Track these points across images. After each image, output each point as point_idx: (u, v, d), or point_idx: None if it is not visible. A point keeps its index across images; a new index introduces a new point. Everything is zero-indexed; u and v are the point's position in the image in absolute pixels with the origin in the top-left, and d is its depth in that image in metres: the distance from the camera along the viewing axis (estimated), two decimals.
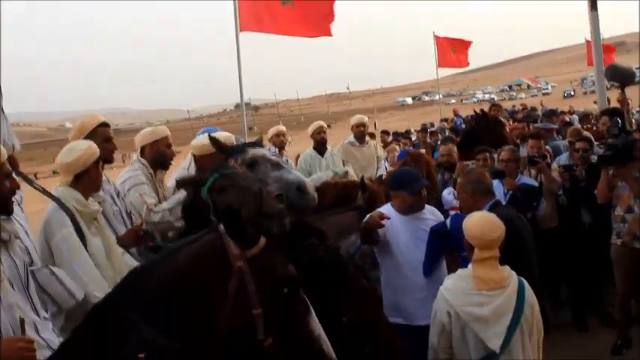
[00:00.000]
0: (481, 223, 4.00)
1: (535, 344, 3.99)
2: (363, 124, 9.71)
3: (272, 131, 9.49)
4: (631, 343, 7.32)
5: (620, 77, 9.66)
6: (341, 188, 5.60)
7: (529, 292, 3.99)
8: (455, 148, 8.52)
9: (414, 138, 17.17)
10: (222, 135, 6.12)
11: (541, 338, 4.09)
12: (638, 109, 14.84)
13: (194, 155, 6.16)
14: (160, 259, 3.00)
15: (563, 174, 7.77)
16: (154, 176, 5.80)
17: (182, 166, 6.18)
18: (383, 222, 5.02)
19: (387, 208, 5.38)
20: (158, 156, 5.83)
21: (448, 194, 6.07)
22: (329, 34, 10.89)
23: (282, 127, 9.91)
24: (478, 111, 10.71)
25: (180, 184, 4.63)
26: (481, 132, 9.44)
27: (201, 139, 6.03)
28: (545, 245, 6.99)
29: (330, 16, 10.77)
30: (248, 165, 4.79)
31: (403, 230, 5.26)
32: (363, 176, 6.12)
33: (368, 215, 5.10)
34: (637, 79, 10.96)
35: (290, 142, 13.97)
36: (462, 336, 3.89)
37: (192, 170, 6.00)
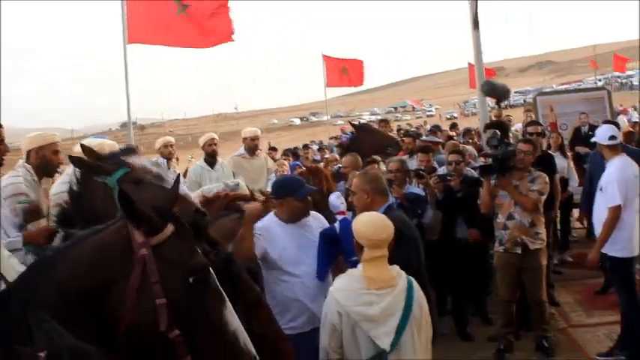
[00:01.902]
0: (370, 223, 4.04)
1: (424, 343, 4.05)
2: (257, 137, 9.71)
3: (160, 142, 9.36)
4: (512, 348, 7.57)
5: (496, 93, 10.08)
6: (231, 200, 5.55)
7: (418, 292, 4.05)
8: (358, 160, 8.54)
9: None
10: (107, 143, 5.94)
11: (430, 337, 4.15)
12: (519, 125, 15.49)
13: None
14: (64, 250, 2.86)
15: (437, 184, 7.94)
16: (39, 183, 5.54)
17: (66, 172, 5.93)
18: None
19: (270, 219, 5.35)
20: (43, 163, 5.57)
21: (336, 198, 6.10)
22: (230, 39, 10.59)
23: (170, 138, 9.78)
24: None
25: (78, 164, 4.38)
26: (362, 139, 9.67)
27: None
28: (430, 256, 7.17)
29: (228, 22, 10.50)
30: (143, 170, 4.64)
31: (289, 240, 5.23)
32: (251, 192, 6.09)
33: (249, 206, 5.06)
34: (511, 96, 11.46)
35: (177, 162, 13.68)
36: (353, 335, 3.90)
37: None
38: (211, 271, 2.87)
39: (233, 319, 2.81)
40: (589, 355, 7.35)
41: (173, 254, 2.74)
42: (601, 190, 7.02)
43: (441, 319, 8.23)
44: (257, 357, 2.83)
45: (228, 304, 2.84)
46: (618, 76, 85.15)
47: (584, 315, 8.69)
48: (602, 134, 7.20)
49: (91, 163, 4.28)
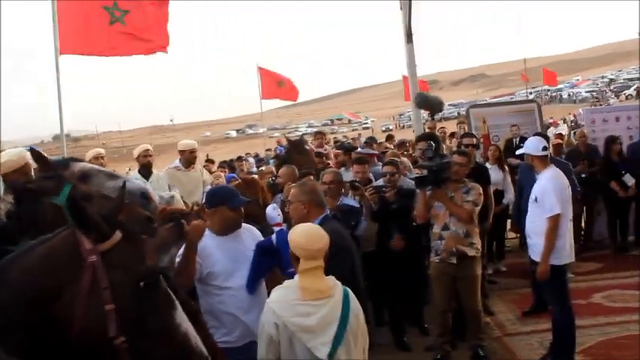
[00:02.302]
0: (306, 234, 4.02)
1: (361, 351, 4.05)
2: (195, 150, 9.64)
3: (90, 154, 9.16)
4: (449, 358, 7.65)
5: (429, 105, 10.22)
6: (167, 215, 5.47)
7: (354, 301, 4.04)
8: (296, 172, 8.50)
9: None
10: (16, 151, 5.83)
11: (366, 346, 4.16)
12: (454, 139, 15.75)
13: (1, 175, 5.79)
14: (13, 259, 2.82)
15: (372, 195, 7.97)
16: None
17: None
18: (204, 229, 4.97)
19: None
20: None
21: (273, 210, 6.07)
22: (165, 49, 10.49)
23: (100, 150, 9.64)
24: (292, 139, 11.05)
25: (20, 190, 4.30)
26: (293, 157, 9.71)
27: (4, 157, 5.70)
28: (366, 267, 7.21)
29: (165, 32, 10.39)
30: (80, 178, 4.43)
31: (220, 252, 5.18)
32: (193, 205, 6.03)
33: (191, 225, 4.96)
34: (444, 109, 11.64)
35: None
36: (290, 346, 3.87)
37: (1, 190, 5.67)
38: (160, 275, 2.88)
39: (183, 322, 2.84)
40: None
41: (122, 260, 2.76)
42: (535, 200, 7.14)
43: (378, 330, 8.30)
44: (209, 357, 2.86)
45: (178, 307, 2.87)
46: (548, 90, 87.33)
47: (519, 323, 8.82)
48: (534, 146, 7.37)
49: (36, 188, 4.21)
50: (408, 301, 8.61)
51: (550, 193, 7.03)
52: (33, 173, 5.84)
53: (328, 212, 5.48)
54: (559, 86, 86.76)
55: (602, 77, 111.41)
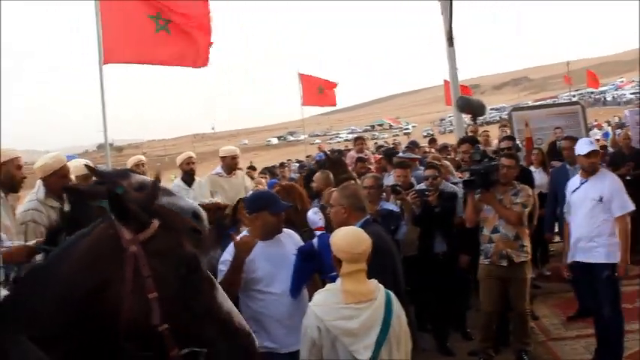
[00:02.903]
0: (348, 237, 4.03)
1: (404, 356, 4.04)
2: (237, 156, 9.68)
3: (131, 161, 9.21)
4: None
5: (471, 108, 10.14)
6: (205, 210, 5.52)
7: (396, 304, 4.04)
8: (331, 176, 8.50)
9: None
10: (78, 162, 5.95)
11: (409, 350, 4.14)
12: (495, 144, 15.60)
13: (41, 179, 5.91)
14: (56, 256, 2.89)
15: (414, 198, 7.93)
16: (6, 199, 5.52)
17: (32, 192, 5.92)
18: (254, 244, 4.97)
19: (244, 235, 5.26)
20: (6, 178, 5.52)
21: (314, 214, 6.08)
22: (206, 64, 10.51)
23: (141, 157, 9.72)
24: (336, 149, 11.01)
25: (70, 192, 4.40)
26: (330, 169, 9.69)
27: (41, 160, 5.82)
28: (408, 271, 7.19)
29: (207, 45, 10.42)
30: (136, 189, 4.62)
31: (262, 258, 5.16)
32: (237, 202, 6.06)
33: (239, 236, 5.01)
34: (486, 112, 11.54)
35: None
36: (333, 350, 3.88)
37: (42, 194, 5.77)
38: (200, 258, 2.93)
39: (225, 301, 2.91)
40: None
41: (162, 248, 2.80)
42: (601, 200, 6.95)
43: (421, 335, 8.24)
44: (252, 333, 2.94)
45: (219, 287, 2.94)
46: (592, 92, 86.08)
47: (563, 328, 8.72)
48: (584, 146, 7.20)
49: (85, 191, 4.28)
50: (451, 305, 8.56)
51: (619, 191, 6.94)
52: (74, 178, 5.98)
53: (369, 216, 5.46)
54: (602, 88, 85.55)
55: None
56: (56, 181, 5.74)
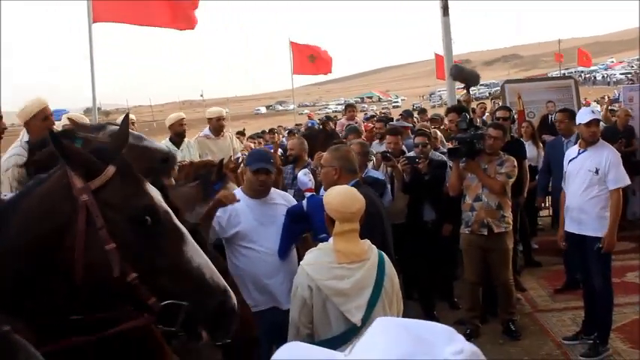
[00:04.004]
0: (342, 196, 3.94)
1: (395, 316, 3.98)
2: (223, 117, 9.58)
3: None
4: (479, 333, 7.58)
5: (464, 77, 10.04)
6: (197, 167, 5.44)
7: (389, 265, 3.98)
8: (304, 143, 8.40)
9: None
10: (75, 115, 5.85)
11: (401, 311, 4.09)
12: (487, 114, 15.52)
13: (24, 125, 5.82)
14: (11, 203, 2.75)
15: (405, 166, 7.86)
16: None
17: (18, 139, 5.84)
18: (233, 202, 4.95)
19: (237, 192, 5.29)
20: None
21: (304, 175, 6.02)
22: (192, 27, 10.45)
23: (131, 116, 9.60)
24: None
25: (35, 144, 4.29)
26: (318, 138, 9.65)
27: (21, 106, 5.73)
28: (396, 239, 7.15)
29: (193, 7, 10.33)
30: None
31: (248, 214, 5.18)
32: (222, 159, 5.98)
33: (220, 193, 4.99)
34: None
35: None
36: (324, 310, 3.81)
37: (25, 138, 5.69)
38: (166, 208, 2.77)
39: (196, 255, 2.72)
40: (555, 339, 7.37)
41: (117, 196, 2.65)
42: (596, 172, 6.84)
43: (407, 303, 8.21)
44: (228, 289, 2.75)
45: (189, 241, 2.75)
46: (582, 71, 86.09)
47: (550, 300, 8.73)
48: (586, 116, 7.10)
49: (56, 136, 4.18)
50: (439, 274, 8.53)
51: (616, 164, 6.82)
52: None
53: (359, 179, 5.41)
54: (593, 68, 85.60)
55: (638, 59, 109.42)
56: (38, 124, 5.65)
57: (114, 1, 9.94)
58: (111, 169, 2.65)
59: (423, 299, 8.37)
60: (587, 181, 6.90)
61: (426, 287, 8.41)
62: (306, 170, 6.41)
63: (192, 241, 2.76)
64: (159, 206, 2.72)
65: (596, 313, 7.02)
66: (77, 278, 2.57)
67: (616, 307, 7.26)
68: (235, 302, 2.77)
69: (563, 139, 9.45)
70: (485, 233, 7.31)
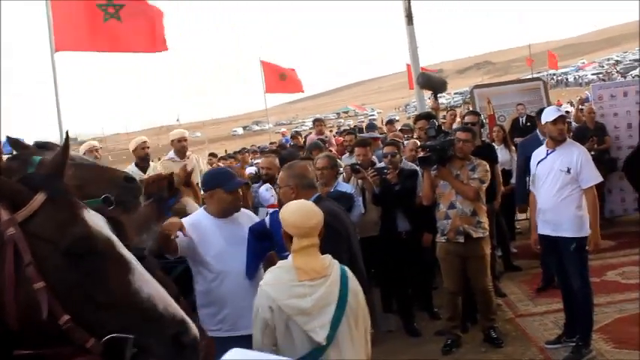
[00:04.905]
0: (298, 211, 3.77)
1: (362, 333, 3.81)
2: (185, 139, 9.43)
3: (83, 147, 8.91)
4: (460, 342, 7.43)
5: (432, 84, 9.99)
6: (147, 184, 5.25)
7: (352, 281, 3.80)
8: (276, 161, 8.25)
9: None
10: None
11: (368, 327, 3.92)
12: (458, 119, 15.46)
13: None
14: None
15: (374, 177, 7.75)
16: None
17: None
18: (180, 233, 4.78)
19: (200, 213, 5.14)
20: None
21: (266, 191, 5.86)
22: (164, 48, 10.39)
23: (94, 142, 9.45)
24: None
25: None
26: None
27: None
28: (370, 252, 7.01)
29: (162, 29, 10.25)
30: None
31: (217, 236, 4.99)
32: (172, 173, 5.75)
33: (167, 221, 4.80)
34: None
35: None
36: (287, 331, 3.64)
37: None
38: (107, 235, 2.53)
39: (145, 285, 2.48)
40: (538, 344, 7.24)
41: (47, 227, 2.40)
42: (568, 172, 6.70)
43: (387, 316, 8.09)
44: (186, 319, 2.51)
45: (136, 270, 2.50)
46: (554, 74, 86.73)
47: (531, 304, 8.61)
48: (553, 114, 6.98)
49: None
50: (416, 285, 8.39)
51: (588, 162, 6.69)
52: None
53: (319, 193, 5.23)
54: (565, 70, 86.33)
55: (608, 59, 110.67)
56: None
57: (76, 29, 9.91)
58: (40, 197, 2.43)
59: (402, 311, 8.20)
60: (559, 182, 6.77)
61: (405, 299, 8.24)
62: (268, 185, 6.27)
63: (141, 269, 2.53)
64: (97, 234, 2.48)
65: (577, 315, 6.89)
66: (10, 321, 2.35)
67: (597, 306, 7.15)
68: (196, 332, 2.54)
69: (541, 136, 9.29)
70: (462, 240, 7.16)
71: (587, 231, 6.69)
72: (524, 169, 9.15)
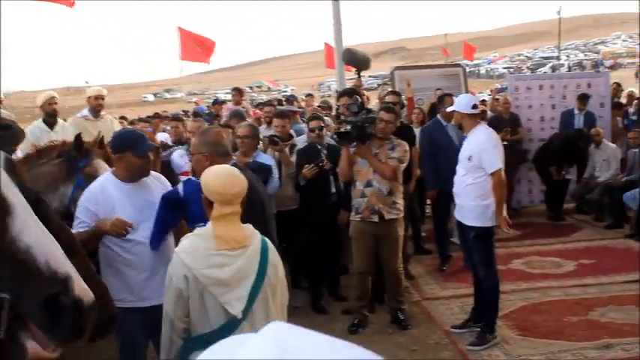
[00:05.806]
0: (222, 176, 3.54)
1: (280, 308, 3.64)
2: (102, 97, 8.99)
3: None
4: (367, 323, 7.40)
5: (356, 60, 9.93)
6: (68, 147, 4.95)
7: (273, 253, 3.63)
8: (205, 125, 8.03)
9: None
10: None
11: (286, 302, 3.77)
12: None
13: None
14: None
15: (313, 171, 7.63)
16: None
17: None
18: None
19: (107, 177, 4.80)
20: None
21: (179, 157, 5.54)
22: (70, 3, 9.97)
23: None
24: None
25: None
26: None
27: None
28: (284, 226, 6.90)
29: None
30: None
31: (125, 201, 4.67)
32: (79, 133, 5.43)
33: (111, 222, 4.46)
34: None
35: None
36: (201, 302, 3.44)
37: None
38: None
39: (27, 233, 2.11)
40: (443, 328, 7.27)
41: None
42: (469, 159, 6.72)
43: (295, 292, 7.97)
44: (70, 276, 2.14)
45: (18, 214, 2.14)
46: (467, 64, 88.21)
47: (438, 288, 8.67)
48: (465, 103, 7.01)
49: None
50: (326, 263, 8.28)
51: (489, 149, 6.64)
52: None
53: (235, 161, 5.00)
54: (477, 62, 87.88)
55: (519, 55, 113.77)
56: None
57: None
58: None
59: (311, 288, 8.12)
60: (464, 169, 6.84)
61: (315, 276, 8.15)
62: (182, 152, 5.93)
63: (26, 213, 2.17)
64: None
65: (483, 302, 6.95)
66: None
67: (502, 294, 7.25)
68: (81, 294, 2.16)
69: (443, 121, 9.34)
70: (376, 220, 7.10)
71: (490, 221, 6.69)
72: (432, 153, 9.19)
